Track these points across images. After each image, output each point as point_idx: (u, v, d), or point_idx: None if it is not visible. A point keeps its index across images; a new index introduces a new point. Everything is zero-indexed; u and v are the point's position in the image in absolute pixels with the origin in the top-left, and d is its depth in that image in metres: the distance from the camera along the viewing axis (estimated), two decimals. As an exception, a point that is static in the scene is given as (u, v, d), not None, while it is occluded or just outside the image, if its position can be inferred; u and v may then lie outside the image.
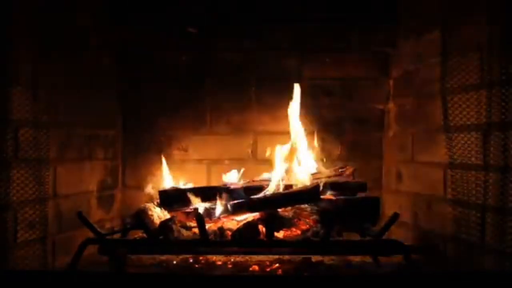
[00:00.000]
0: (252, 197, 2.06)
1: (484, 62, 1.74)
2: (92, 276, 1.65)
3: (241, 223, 2.00)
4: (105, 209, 2.42)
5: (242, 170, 2.37)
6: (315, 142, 2.39)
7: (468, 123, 1.82)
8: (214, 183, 2.42)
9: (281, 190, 2.12)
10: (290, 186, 2.16)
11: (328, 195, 2.11)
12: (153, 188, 2.27)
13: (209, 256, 2.07)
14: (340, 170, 2.26)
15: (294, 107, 2.35)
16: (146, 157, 2.57)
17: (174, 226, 1.96)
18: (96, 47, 2.32)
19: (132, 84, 2.58)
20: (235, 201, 2.05)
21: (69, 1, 2.10)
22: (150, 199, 2.20)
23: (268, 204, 2.03)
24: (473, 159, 1.78)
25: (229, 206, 2.05)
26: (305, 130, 2.36)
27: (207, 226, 1.93)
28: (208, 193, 2.12)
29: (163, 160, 2.41)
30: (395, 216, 1.89)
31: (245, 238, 1.91)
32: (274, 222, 1.96)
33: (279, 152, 2.28)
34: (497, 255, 1.65)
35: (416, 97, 2.27)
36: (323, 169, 2.30)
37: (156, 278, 1.66)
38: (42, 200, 1.88)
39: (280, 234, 1.98)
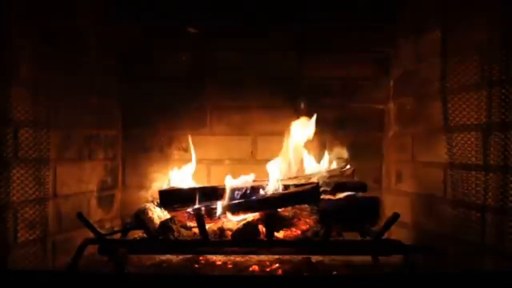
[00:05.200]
0: (252, 197, 2.06)
1: (484, 62, 1.74)
2: (92, 276, 1.65)
3: (241, 223, 2.00)
4: (105, 209, 2.42)
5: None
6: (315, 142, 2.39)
7: (468, 123, 1.81)
8: (214, 183, 2.42)
9: (280, 190, 2.12)
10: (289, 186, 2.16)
11: (328, 195, 2.11)
12: (153, 188, 2.27)
13: (209, 256, 2.07)
14: (340, 170, 2.25)
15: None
16: (146, 157, 2.57)
17: (174, 226, 1.96)
18: (96, 47, 2.32)
19: (132, 84, 2.58)
20: (235, 201, 2.05)
21: (69, 1, 2.10)
22: (151, 199, 2.20)
23: (267, 205, 2.03)
24: (473, 159, 1.78)
25: (229, 206, 2.05)
26: (305, 130, 2.36)
27: (207, 226, 1.93)
28: (208, 193, 2.12)
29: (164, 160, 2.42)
30: (395, 216, 1.88)
31: (245, 238, 1.92)
32: (274, 222, 1.96)
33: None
34: (497, 255, 1.65)
35: (416, 97, 2.27)
36: (322, 169, 2.29)
37: (156, 278, 1.66)
38: (42, 200, 1.88)
39: (280, 234, 1.98)
